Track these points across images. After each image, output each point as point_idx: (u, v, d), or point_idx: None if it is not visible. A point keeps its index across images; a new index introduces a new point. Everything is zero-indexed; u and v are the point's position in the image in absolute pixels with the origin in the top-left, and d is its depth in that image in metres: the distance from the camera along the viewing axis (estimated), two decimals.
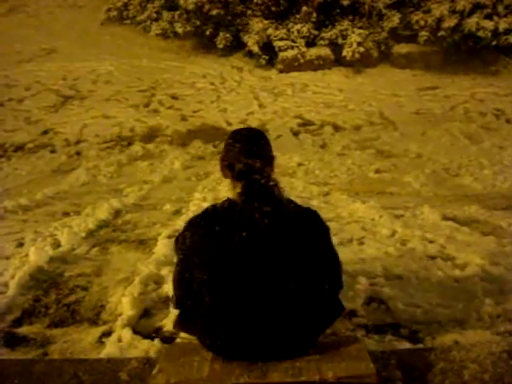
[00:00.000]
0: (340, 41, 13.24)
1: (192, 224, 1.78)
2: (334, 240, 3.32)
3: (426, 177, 6.36)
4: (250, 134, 1.91)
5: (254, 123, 9.97)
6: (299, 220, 1.77)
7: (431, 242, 3.34)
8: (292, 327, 1.71)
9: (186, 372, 1.67)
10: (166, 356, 1.80)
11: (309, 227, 1.78)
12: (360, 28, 13.32)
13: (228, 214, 1.74)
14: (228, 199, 1.79)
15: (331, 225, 3.71)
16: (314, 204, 4.02)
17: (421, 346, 2.02)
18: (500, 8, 12.46)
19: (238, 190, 1.75)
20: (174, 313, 2.30)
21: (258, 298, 1.69)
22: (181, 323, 1.88)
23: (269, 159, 1.85)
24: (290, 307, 1.71)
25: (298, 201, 1.83)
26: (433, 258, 2.99)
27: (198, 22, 13.99)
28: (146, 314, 2.37)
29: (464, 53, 12.99)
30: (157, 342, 2.06)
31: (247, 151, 1.80)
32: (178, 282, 1.85)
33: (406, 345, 2.03)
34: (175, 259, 1.84)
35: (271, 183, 1.76)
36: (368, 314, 2.28)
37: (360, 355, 1.73)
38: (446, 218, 4.00)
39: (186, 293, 1.81)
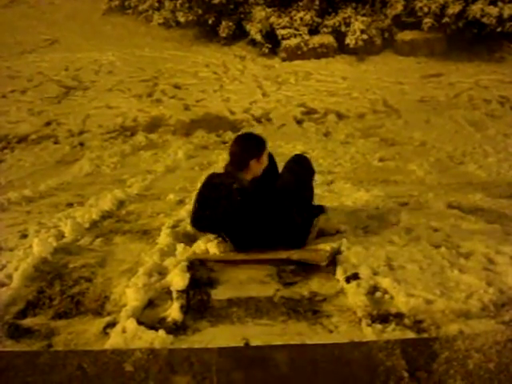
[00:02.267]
0: (343, 28, 13.14)
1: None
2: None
3: (431, 165, 6.33)
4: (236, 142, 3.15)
5: (257, 112, 9.96)
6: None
7: (436, 230, 3.32)
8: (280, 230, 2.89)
9: (207, 255, 2.94)
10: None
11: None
12: (363, 15, 13.21)
13: None
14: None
15: (335, 213, 3.72)
16: (318, 193, 4.00)
17: (425, 335, 2.02)
18: None
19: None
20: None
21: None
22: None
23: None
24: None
25: None
26: (437, 246, 2.97)
27: (200, 11, 13.90)
28: (149, 304, 2.38)
29: (468, 39, 12.88)
30: (161, 332, 2.06)
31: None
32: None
33: (410, 334, 2.02)
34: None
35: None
36: (372, 304, 2.27)
37: (322, 253, 2.81)
38: (450, 207, 3.98)
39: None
